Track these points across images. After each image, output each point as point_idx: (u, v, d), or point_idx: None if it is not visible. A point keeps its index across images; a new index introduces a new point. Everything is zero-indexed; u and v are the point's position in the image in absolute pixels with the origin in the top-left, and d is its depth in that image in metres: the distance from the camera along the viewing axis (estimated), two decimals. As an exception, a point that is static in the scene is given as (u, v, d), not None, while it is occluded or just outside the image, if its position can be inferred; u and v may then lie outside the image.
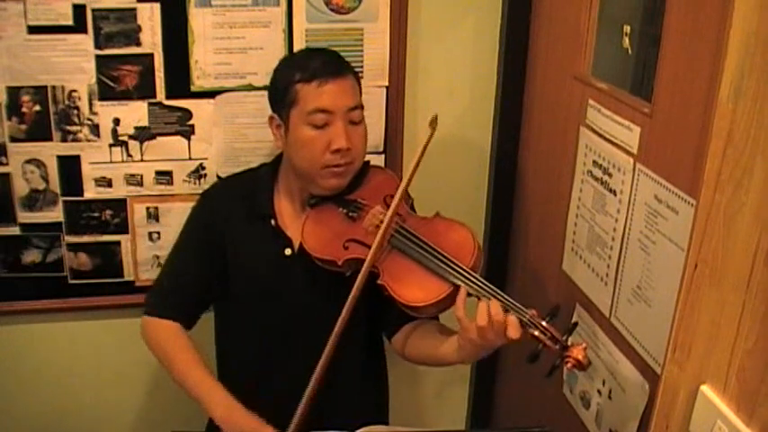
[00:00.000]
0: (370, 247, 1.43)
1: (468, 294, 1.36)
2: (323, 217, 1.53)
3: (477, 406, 2.16)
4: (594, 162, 1.48)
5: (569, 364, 1.27)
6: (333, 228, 1.51)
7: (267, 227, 1.56)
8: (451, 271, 1.37)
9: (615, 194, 1.40)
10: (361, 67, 1.79)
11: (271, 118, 1.55)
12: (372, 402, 1.73)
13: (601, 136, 1.44)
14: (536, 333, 1.29)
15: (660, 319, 1.24)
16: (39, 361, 1.95)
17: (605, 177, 1.44)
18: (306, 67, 1.47)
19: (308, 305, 1.55)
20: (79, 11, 1.67)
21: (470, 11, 1.83)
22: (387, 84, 1.83)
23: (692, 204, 1.15)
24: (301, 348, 1.46)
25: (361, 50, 1.79)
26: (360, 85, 1.55)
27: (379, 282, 1.42)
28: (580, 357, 1.26)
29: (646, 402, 1.31)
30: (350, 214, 1.52)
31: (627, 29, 1.39)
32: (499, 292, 1.33)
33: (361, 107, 1.51)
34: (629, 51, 1.38)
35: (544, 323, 1.29)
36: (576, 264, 1.58)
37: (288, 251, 1.55)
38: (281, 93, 1.50)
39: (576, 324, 1.34)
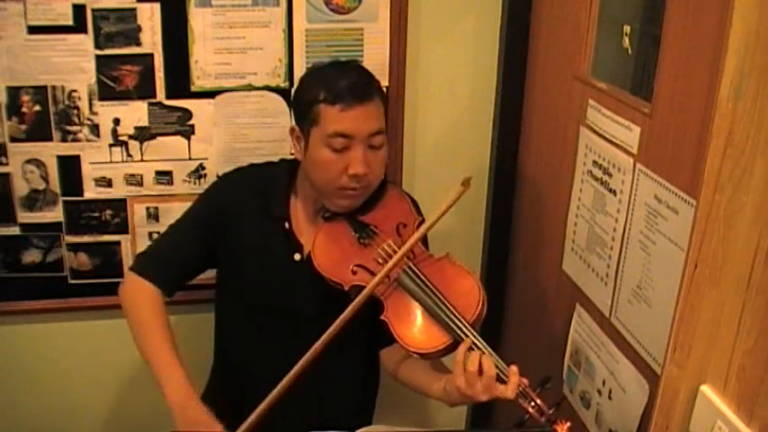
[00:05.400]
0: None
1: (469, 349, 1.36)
2: (335, 235, 1.52)
3: (477, 406, 2.16)
4: (594, 162, 1.48)
5: None
6: (343, 249, 1.50)
7: (280, 229, 1.55)
8: (452, 325, 1.37)
9: (615, 194, 1.40)
10: (361, 67, 1.79)
11: (292, 129, 1.53)
12: (359, 408, 1.73)
13: (601, 136, 1.44)
14: (524, 403, 1.31)
15: (660, 319, 1.24)
16: (39, 361, 1.95)
17: (605, 177, 1.44)
18: (332, 86, 1.43)
19: (311, 311, 1.54)
20: (79, 11, 1.66)
21: (470, 11, 1.83)
22: (387, 84, 1.82)
23: (692, 204, 1.15)
24: (297, 353, 1.46)
25: (361, 50, 1.79)
26: (385, 105, 1.51)
27: (382, 317, 1.42)
28: None
29: (646, 402, 1.31)
30: (361, 240, 1.51)
31: (627, 29, 1.39)
32: (494, 354, 1.34)
33: (384, 132, 1.48)
34: (629, 51, 1.38)
35: (533, 394, 1.31)
36: (576, 264, 1.58)
37: (297, 256, 1.55)
38: (303, 108, 1.48)
39: (564, 399, 1.35)
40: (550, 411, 1.30)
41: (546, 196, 1.75)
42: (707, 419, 1.04)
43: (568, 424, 1.29)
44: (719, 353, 1.02)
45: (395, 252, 1.45)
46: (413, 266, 1.45)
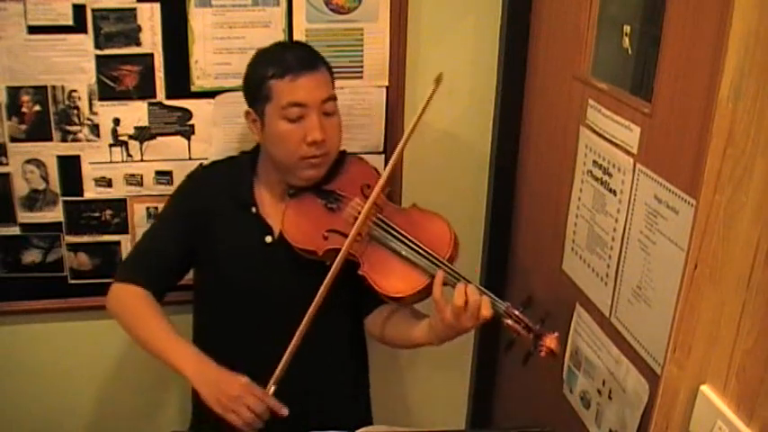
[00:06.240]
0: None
1: (444, 283, 1.41)
2: (303, 207, 1.56)
3: (477, 406, 2.16)
4: (594, 162, 1.48)
5: (542, 353, 1.33)
6: (313, 218, 1.54)
7: (248, 215, 1.59)
8: (429, 263, 1.43)
9: (615, 194, 1.40)
10: (362, 67, 1.79)
11: (247, 113, 1.57)
12: (352, 396, 1.74)
13: (601, 136, 1.44)
14: (510, 322, 1.36)
15: (660, 319, 1.24)
16: (39, 361, 1.95)
17: (605, 177, 1.44)
18: (278, 62, 1.50)
19: (288, 292, 1.56)
20: (79, 11, 1.67)
21: (470, 11, 1.83)
22: (387, 84, 1.82)
23: (692, 204, 1.15)
24: (279, 334, 1.47)
25: (361, 50, 1.79)
26: (332, 76, 1.57)
27: (360, 272, 1.46)
28: (552, 346, 1.33)
29: (646, 402, 1.31)
30: (329, 206, 1.56)
31: (627, 29, 1.39)
32: (473, 282, 1.39)
33: (335, 98, 1.54)
34: (629, 51, 1.38)
35: (517, 312, 1.36)
36: (576, 264, 1.58)
37: (268, 239, 1.58)
38: (254, 88, 1.53)
39: (548, 315, 1.38)
40: (537, 327, 1.34)
41: (546, 196, 1.75)
42: (707, 419, 1.04)
43: (556, 334, 1.34)
44: (719, 353, 1.02)
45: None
46: (382, 218, 1.50)
